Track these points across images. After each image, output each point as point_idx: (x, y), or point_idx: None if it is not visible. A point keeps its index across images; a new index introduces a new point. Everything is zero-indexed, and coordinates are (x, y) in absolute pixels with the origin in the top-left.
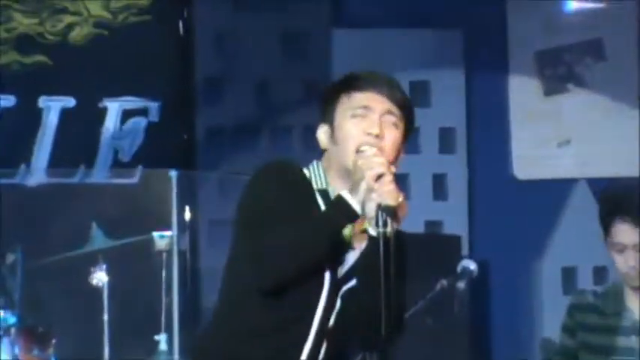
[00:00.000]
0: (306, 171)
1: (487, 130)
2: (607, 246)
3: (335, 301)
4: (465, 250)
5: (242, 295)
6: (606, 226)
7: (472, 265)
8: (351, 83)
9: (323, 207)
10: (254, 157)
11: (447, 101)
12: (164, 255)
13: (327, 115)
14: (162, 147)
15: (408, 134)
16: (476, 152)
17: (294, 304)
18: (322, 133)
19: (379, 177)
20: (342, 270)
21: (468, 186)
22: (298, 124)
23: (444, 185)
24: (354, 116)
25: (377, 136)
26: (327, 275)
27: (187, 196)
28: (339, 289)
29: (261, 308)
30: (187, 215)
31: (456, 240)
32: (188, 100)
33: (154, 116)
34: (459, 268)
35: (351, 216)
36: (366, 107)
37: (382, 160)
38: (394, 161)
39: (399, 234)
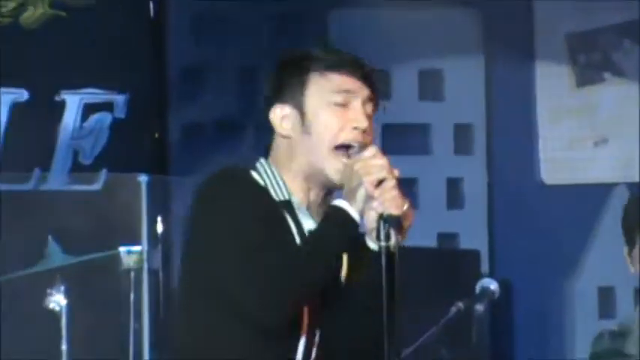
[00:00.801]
0: (256, 177)
1: (510, 127)
2: (630, 261)
3: (316, 329)
4: (484, 268)
5: (217, 332)
6: (632, 239)
7: (493, 285)
8: (325, 60)
9: (292, 224)
10: (238, 160)
11: (464, 93)
12: (132, 274)
13: (289, 94)
14: (130, 148)
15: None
16: (497, 153)
17: (275, 337)
18: (282, 118)
19: (380, 182)
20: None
21: (487, 192)
22: None
23: (460, 191)
24: (335, 104)
25: (364, 132)
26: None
27: (160, 205)
28: (322, 318)
29: (242, 340)
30: (160, 227)
31: (473, 255)
32: (160, 93)
33: (120, 112)
34: (477, 289)
35: (353, 229)
36: (348, 92)
37: (383, 162)
38: None
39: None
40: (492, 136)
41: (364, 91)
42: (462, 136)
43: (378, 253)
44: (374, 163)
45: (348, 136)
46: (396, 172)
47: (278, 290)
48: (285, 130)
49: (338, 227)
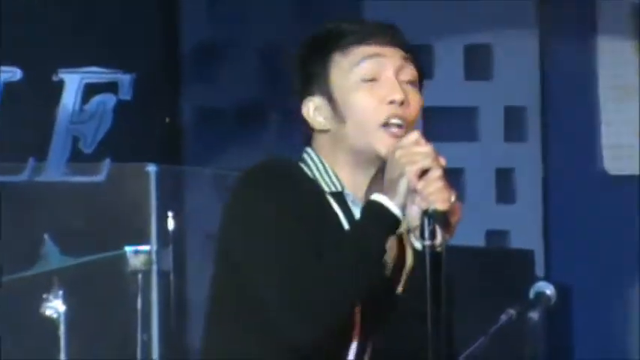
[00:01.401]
0: (305, 169)
1: (568, 110)
2: None
3: (367, 344)
4: (539, 270)
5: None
6: None
7: (549, 290)
8: (345, 35)
9: (344, 219)
10: (258, 149)
11: (515, 72)
12: (140, 277)
13: (315, 83)
14: (137, 134)
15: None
16: (553, 140)
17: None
18: (314, 111)
19: (424, 173)
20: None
21: (542, 184)
22: None
23: (511, 183)
24: (362, 80)
25: (402, 104)
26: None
27: (171, 199)
28: (375, 327)
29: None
30: (171, 224)
31: (527, 256)
32: (171, 72)
33: (125, 93)
34: (531, 294)
35: (395, 227)
36: (373, 60)
37: (428, 149)
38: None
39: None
40: (548, 121)
41: (395, 55)
42: (513, 120)
43: (423, 253)
44: (417, 150)
45: (382, 114)
46: (443, 161)
47: (313, 306)
48: (320, 124)
49: (377, 226)
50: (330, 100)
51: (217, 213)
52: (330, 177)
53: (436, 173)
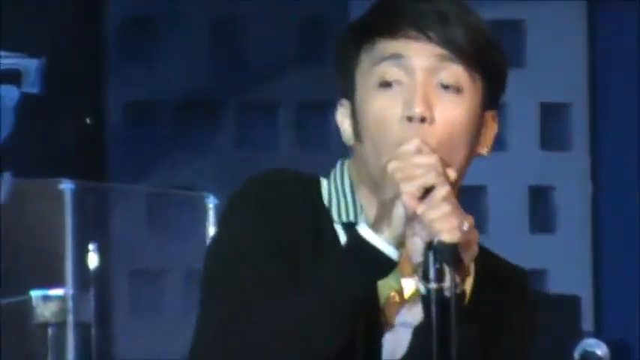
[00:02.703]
0: (323, 188)
1: (626, 109)
2: None
3: None
4: (586, 322)
5: None
6: None
7: (600, 350)
8: (378, 21)
9: (349, 256)
10: (209, 158)
11: (555, 57)
12: (50, 331)
13: (346, 84)
14: (48, 139)
15: (491, 106)
16: (606, 148)
17: None
18: (342, 117)
19: (426, 192)
20: None
21: (591, 208)
22: (288, 100)
23: (550, 206)
24: (379, 84)
25: (423, 120)
26: None
27: (92, 226)
28: None
29: None
30: (92, 260)
31: (571, 304)
32: (92, 57)
33: (31, 85)
34: (576, 354)
35: (384, 270)
36: (394, 61)
37: (431, 160)
38: (458, 163)
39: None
40: (598, 123)
41: (425, 51)
42: (552, 121)
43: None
44: (417, 161)
45: (395, 135)
46: (452, 175)
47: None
48: (346, 136)
49: (356, 269)
50: (353, 107)
51: (152, 244)
52: (346, 202)
53: (442, 192)
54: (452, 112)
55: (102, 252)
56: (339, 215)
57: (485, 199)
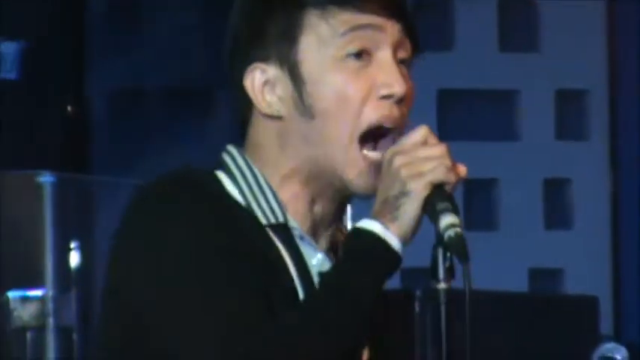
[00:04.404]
0: (226, 182)
1: None
2: None
3: None
4: (605, 325)
5: None
6: None
7: (620, 354)
8: None
9: (289, 262)
10: (200, 148)
11: (571, 39)
12: (29, 335)
13: (274, 48)
14: (25, 129)
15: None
16: (627, 137)
17: None
18: (264, 86)
19: (436, 189)
20: None
21: (611, 202)
22: None
23: (567, 200)
24: (346, 55)
25: (401, 100)
26: None
27: (74, 222)
28: None
29: None
30: (74, 259)
31: (589, 305)
32: (74, 40)
33: (8, 70)
34: (595, 359)
35: (394, 270)
36: (366, 31)
37: (441, 151)
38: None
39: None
40: (618, 110)
41: (394, 28)
42: (568, 109)
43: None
44: (426, 154)
45: (373, 114)
46: (463, 170)
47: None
48: (270, 107)
49: (369, 266)
50: (295, 75)
51: None
52: (268, 202)
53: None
54: (409, 89)
55: (85, 250)
56: (266, 218)
57: (497, 192)
